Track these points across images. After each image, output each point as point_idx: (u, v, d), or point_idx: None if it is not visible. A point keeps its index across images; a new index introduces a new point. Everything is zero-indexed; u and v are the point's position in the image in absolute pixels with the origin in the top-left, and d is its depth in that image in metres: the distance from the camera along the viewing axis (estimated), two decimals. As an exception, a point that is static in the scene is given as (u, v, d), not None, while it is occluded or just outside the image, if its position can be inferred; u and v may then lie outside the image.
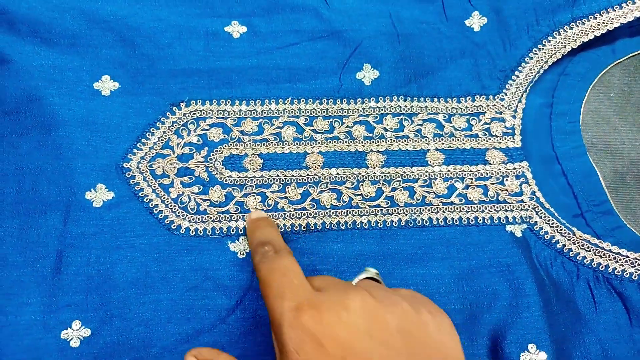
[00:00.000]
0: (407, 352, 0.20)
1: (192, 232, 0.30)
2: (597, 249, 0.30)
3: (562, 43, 0.34)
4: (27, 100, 0.30)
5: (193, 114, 0.32)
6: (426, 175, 0.32)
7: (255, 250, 0.25)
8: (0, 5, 0.31)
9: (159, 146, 0.31)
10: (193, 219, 0.30)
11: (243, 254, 0.29)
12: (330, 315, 0.20)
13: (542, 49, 0.34)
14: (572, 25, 0.34)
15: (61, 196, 0.29)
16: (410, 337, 0.21)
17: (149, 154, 0.31)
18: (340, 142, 0.32)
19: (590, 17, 0.34)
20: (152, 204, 0.30)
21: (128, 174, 0.30)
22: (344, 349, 0.19)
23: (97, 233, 0.29)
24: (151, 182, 0.30)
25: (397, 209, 0.31)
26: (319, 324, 0.20)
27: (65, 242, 0.28)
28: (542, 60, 0.34)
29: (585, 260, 0.30)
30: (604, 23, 0.34)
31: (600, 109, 0.35)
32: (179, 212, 0.30)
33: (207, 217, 0.30)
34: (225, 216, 0.30)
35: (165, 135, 0.31)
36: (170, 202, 0.30)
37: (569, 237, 0.31)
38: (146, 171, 0.30)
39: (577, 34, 0.34)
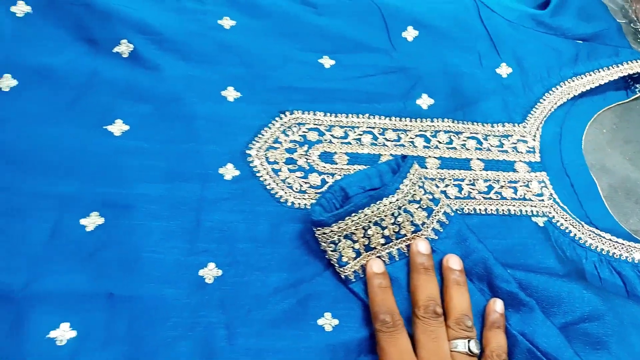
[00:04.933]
0: None
1: (297, 205, 0.38)
2: (600, 238, 0.40)
3: (566, 91, 0.46)
4: (172, 99, 0.40)
5: (295, 120, 0.41)
6: (471, 177, 0.42)
7: (376, 316, 0.33)
8: (156, 29, 0.41)
9: (271, 141, 0.40)
10: (297, 196, 0.39)
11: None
12: None
13: (552, 94, 0.46)
14: (574, 79, 0.46)
15: (199, 170, 0.38)
16: None
17: (264, 146, 0.40)
18: (406, 148, 0.42)
19: (587, 74, 0.46)
20: (266, 183, 0.39)
21: (249, 159, 0.39)
22: None
23: (227, 199, 0.37)
24: (266, 167, 0.39)
25: (449, 200, 0.40)
26: None
27: (202, 204, 0.37)
28: (552, 102, 0.46)
29: (591, 247, 0.40)
30: (597, 79, 0.46)
31: (596, 140, 0.46)
32: (286, 190, 0.39)
33: (307, 195, 0.39)
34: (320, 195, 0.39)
35: (275, 134, 0.41)
36: (280, 182, 0.39)
37: (579, 228, 0.40)
38: (262, 158, 0.39)
39: (577, 85, 0.46)
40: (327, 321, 0.35)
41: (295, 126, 0.41)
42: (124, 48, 0.41)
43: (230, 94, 0.41)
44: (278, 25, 0.44)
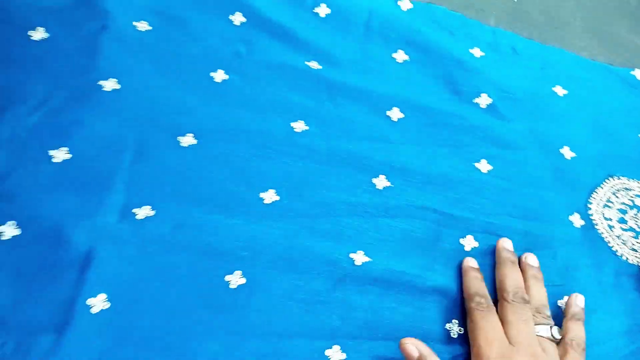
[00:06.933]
0: None
1: (631, 261, 0.43)
2: None
3: None
4: (521, 147, 0.47)
5: (622, 184, 0.47)
6: None
7: (471, 297, 0.36)
8: (511, 88, 0.49)
9: (604, 199, 0.46)
10: (630, 253, 0.43)
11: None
12: None
13: None
14: None
15: (551, 214, 0.44)
16: None
17: (600, 203, 0.45)
18: None
19: None
20: (604, 236, 0.44)
21: (589, 212, 0.45)
22: None
23: (578, 243, 0.43)
24: (603, 222, 0.45)
25: None
26: None
27: (553, 243, 0.42)
28: None
29: None
30: None
31: None
32: (621, 246, 0.44)
33: (638, 254, 0.44)
34: (650, 257, 0.44)
35: (607, 194, 0.46)
36: (615, 238, 0.44)
37: None
38: (600, 214, 0.45)
39: None
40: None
41: (623, 190, 0.46)
42: (483, 100, 0.48)
43: (567, 152, 0.47)
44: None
